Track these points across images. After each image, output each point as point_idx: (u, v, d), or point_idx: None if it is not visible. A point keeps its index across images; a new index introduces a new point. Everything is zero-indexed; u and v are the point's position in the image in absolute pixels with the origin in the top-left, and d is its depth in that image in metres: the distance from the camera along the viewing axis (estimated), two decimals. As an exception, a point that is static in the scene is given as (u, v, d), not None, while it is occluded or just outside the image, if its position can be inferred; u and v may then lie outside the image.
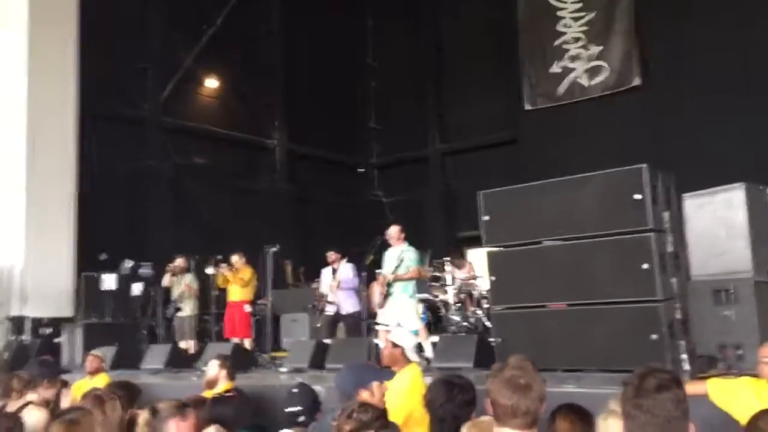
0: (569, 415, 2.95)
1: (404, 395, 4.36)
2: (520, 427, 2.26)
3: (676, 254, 5.16)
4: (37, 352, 9.66)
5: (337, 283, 9.02)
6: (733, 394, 3.64)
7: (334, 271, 9.23)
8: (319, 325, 9.20)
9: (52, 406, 4.35)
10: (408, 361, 4.91)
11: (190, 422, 3.18)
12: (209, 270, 9.94)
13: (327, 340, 8.27)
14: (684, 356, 4.94)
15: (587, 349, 5.15)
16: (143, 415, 3.38)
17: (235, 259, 10.00)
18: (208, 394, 5.13)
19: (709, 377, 4.17)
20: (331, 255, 9.30)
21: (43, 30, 11.73)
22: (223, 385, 5.45)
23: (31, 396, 4.47)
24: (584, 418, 2.94)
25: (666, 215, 5.09)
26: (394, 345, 4.91)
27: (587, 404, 3.14)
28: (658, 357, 4.70)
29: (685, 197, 5.69)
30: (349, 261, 9.31)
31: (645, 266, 4.86)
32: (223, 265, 9.96)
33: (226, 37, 15.26)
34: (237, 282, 9.92)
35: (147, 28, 14.27)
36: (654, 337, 4.78)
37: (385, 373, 4.34)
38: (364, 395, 3.60)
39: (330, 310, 9.08)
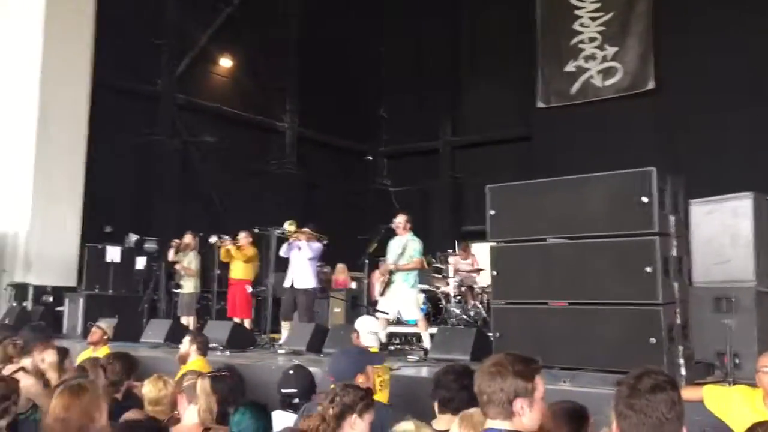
0: (563, 410, 2.96)
1: None
2: (492, 416, 2.30)
3: (679, 259, 5.16)
4: (39, 319, 9.73)
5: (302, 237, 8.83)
6: (728, 402, 3.65)
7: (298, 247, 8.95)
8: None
9: (51, 372, 4.39)
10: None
11: None
12: (212, 239, 9.91)
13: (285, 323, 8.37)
14: (681, 361, 4.94)
15: (586, 349, 5.16)
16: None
17: (242, 235, 9.98)
18: (183, 369, 5.21)
19: (705, 384, 4.18)
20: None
21: (59, 2, 11.76)
22: (193, 360, 5.59)
23: (25, 361, 4.51)
24: (578, 415, 2.95)
25: (672, 219, 5.08)
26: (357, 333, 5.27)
27: (582, 403, 3.16)
28: (656, 360, 4.71)
29: (693, 203, 5.66)
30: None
31: (648, 269, 4.85)
32: (227, 237, 9.93)
33: (242, 17, 15.27)
34: (239, 257, 9.89)
35: (164, 4, 14.26)
36: (653, 340, 4.78)
37: (377, 356, 4.46)
38: (360, 380, 3.65)
39: (288, 280, 8.90)
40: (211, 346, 7.85)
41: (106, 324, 7.16)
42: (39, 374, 4.33)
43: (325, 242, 9.06)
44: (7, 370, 4.28)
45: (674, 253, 5.08)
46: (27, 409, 3.72)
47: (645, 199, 4.91)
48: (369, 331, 5.44)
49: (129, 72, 13.40)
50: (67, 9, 11.84)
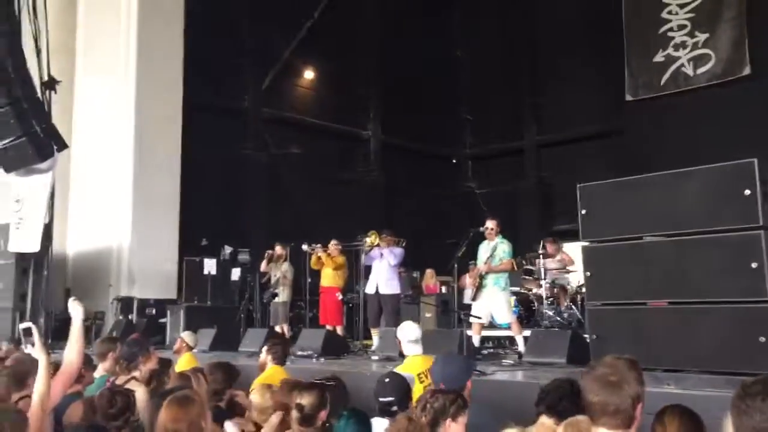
0: (677, 416, 2.83)
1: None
2: (614, 427, 2.22)
3: (787, 253, 4.90)
4: (144, 332, 10.16)
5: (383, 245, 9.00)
6: None
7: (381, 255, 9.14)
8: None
9: (154, 384, 4.56)
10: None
11: None
12: (304, 246, 10.10)
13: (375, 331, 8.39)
14: (794, 360, 4.69)
15: (689, 350, 4.97)
16: None
17: (332, 243, 10.12)
18: (260, 377, 5.33)
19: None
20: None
21: (151, 24, 12.31)
22: (270, 368, 5.71)
23: (134, 373, 4.70)
24: (693, 421, 2.82)
25: (777, 212, 4.83)
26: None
27: (689, 406, 3.04)
28: (766, 360, 4.49)
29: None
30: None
31: (754, 265, 4.64)
32: (318, 245, 10.12)
33: (323, 29, 15.52)
34: (329, 264, 10.04)
35: (248, 21, 14.68)
36: (762, 339, 4.57)
37: (473, 362, 4.43)
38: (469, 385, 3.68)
39: (372, 286, 9.09)
40: (306, 353, 8.03)
41: (188, 334, 7.55)
42: (148, 383, 4.52)
43: (404, 244, 9.24)
44: (120, 380, 4.49)
45: (782, 247, 4.83)
46: (138, 418, 3.88)
47: (747, 192, 4.71)
48: (409, 340, 5.34)
49: (218, 90, 13.88)
50: (159, 32, 12.39)
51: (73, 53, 13.15)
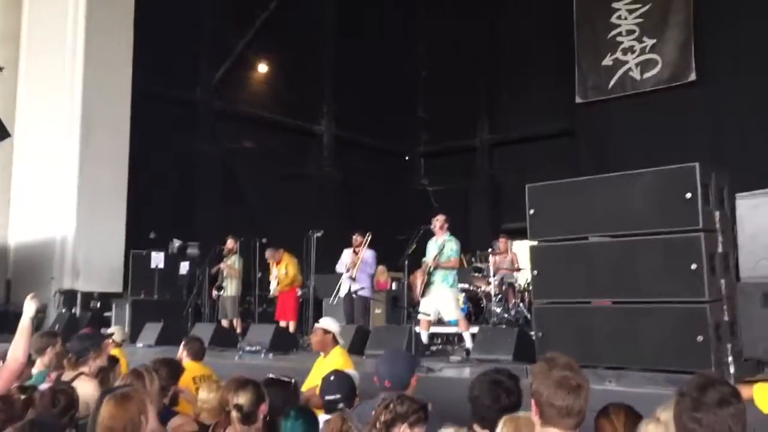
0: (620, 414, 2.90)
1: None
2: (570, 428, 2.26)
3: (725, 255, 5.06)
4: (87, 326, 9.94)
5: (358, 261, 9.21)
6: (781, 401, 3.56)
7: (356, 253, 9.44)
8: (333, 302, 9.47)
9: (101, 380, 4.46)
10: (336, 343, 5.29)
11: None
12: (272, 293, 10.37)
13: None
14: (730, 359, 4.85)
15: (631, 348, 5.09)
16: None
17: (267, 255, 10.30)
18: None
19: (755, 381, 4.08)
20: (357, 238, 9.46)
21: (100, 12, 12.01)
22: (186, 364, 5.70)
23: (82, 369, 4.58)
24: (634, 419, 2.89)
25: (717, 215, 4.98)
26: (325, 331, 5.27)
27: (629, 404, 3.11)
28: (703, 359, 4.63)
29: (738, 197, 5.56)
30: (371, 248, 9.48)
31: (694, 266, 4.77)
32: (273, 283, 10.31)
33: (278, 23, 15.39)
34: (284, 281, 10.22)
35: (201, 13, 14.45)
36: (700, 338, 4.70)
37: (416, 360, 4.49)
38: (413, 382, 3.69)
39: (345, 288, 9.31)
40: (254, 349, 7.97)
41: (116, 330, 7.48)
42: (98, 379, 4.41)
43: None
44: (67, 375, 4.37)
45: (720, 249, 4.98)
46: (86, 414, 3.79)
47: (689, 195, 4.83)
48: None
49: (168, 80, 13.61)
50: (108, 19, 12.09)
51: (18, 40, 12.77)
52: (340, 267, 9.50)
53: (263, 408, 3.42)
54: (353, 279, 9.25)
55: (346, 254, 9.52)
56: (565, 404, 2.24)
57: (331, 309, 10.34)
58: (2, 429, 3.04)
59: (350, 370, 4.62)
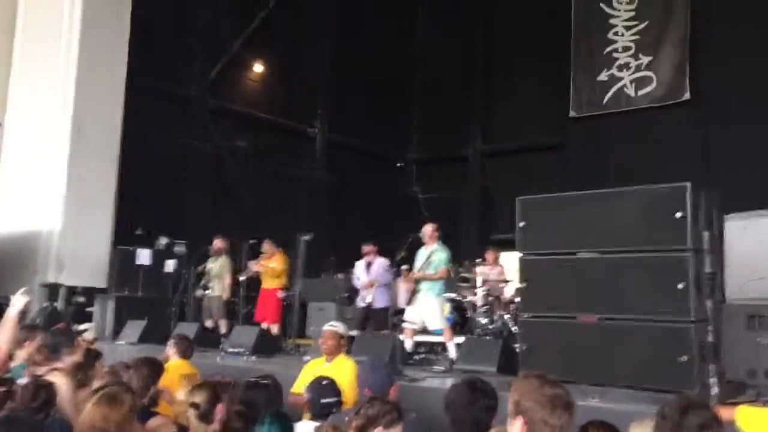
0: (603, 430, 2.89)
1: (349, 383, 4.62)
2: None
3: (713, 275, 5.06)
4: (70, 320, 9.85)
5: (374, 284, 9.03)
6: (764, 424, 3.56)
7: (369, 264, 9.24)
8: (349, 317, 9.27)
9: (80, 377, 4.41)
10: (343, 348, 5.39)
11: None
12: (242, 277, 10.14)
13: (354, 332, 8.29)
14: (713, 380, 4.84)
15: (614, 365, 5.09)
16: None
17: (265, 247, 10.09)
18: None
19: (737, 404, 4.08)
20: (367, 248, 9.30)
21: (96, 6, 11.94)
22: (171, 361, 5.80)
23: (56, 364, 4.53)
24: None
25: (706, 235, 4.99)
26: (340, 335, 5.34)
27: (610, 421, 3.09)
28: (686, 379, 4.63)
29: (728, 218, 5.57)
30: (381, 255, 9.32)
31: (680, 286, 4.78)
32: (252, 262, 10.09)
33: (276, 22, 15.35)
34: (269, 273, 10.03)
35: (199, 10, 14.40)
36: (684, 358, 4.71)
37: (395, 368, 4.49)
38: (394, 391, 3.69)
39: (361, 303, 9.12)
40: (237, 351, 7.92)
41: (87, 327, 7.40)
42: (71, 375, 4.36)
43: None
44: (41, 369, 4.32)
45: (707, 269, 4.99)
46: (58, 412, 3.74)
47: (679, 215, 4.84)
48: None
49: (163, 76, 13.51)
50: (104, 14, 12.01)
51: (13, 31, 12.67)
52: (356, 282, 9.39)
53: (220, 408, 3.43)
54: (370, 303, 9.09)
55: (359, 268, 9.39)
56: (560, 423, 2.21)
57: (316, 314, 10.31)
58: None
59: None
